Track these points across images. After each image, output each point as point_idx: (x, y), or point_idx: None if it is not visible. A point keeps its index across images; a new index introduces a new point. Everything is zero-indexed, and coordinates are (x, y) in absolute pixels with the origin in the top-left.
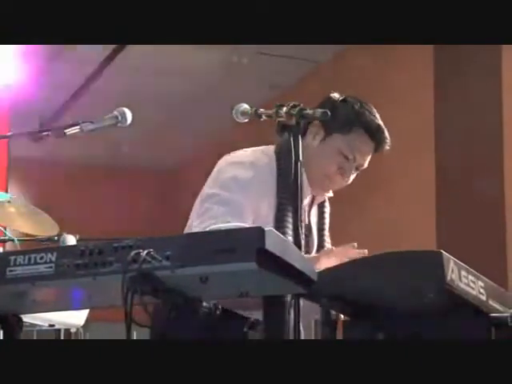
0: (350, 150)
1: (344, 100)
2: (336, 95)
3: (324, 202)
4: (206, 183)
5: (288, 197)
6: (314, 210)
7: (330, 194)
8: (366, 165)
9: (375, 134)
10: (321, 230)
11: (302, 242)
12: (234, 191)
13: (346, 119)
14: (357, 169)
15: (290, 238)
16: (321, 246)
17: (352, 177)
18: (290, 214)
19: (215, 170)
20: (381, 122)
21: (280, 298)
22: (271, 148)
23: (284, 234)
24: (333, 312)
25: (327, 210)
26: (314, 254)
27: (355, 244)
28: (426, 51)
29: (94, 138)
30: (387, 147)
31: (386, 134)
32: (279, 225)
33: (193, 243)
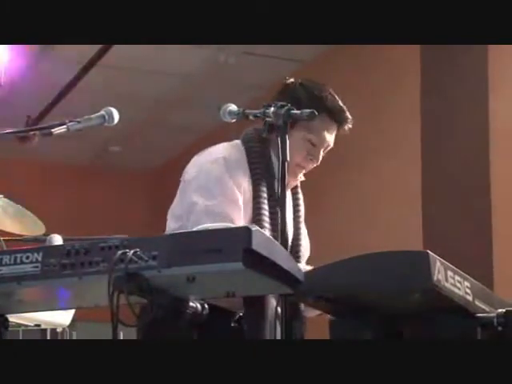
0: (315, 136)
1: (301, 85)
2: (292, 80)
3: (296, 187)
4: (188, 184)
5: (262, 186)
6: (288, 197)
7: (302, 178)
8: (332, 144)
9: (338, 117)
10: (296, 217)
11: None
12: (216, 194)
13: (308, 106)
14: (324, 150)
15: (267, 226)
16: (297, 233)
17: (321, 157)
18: (265, 204)
19: (193, 170)
20: (341, 103)
21: (260, 298)
22: (238, 142)
23: (259, 221)
24: (302, 308)
25: (300, 196)
26: (304, 247)
27: None
28: (413, 51)
29: (79, 138)
30: (350, 126)
31: (348, 113)
32: (256, 218)
33: (179, 243)
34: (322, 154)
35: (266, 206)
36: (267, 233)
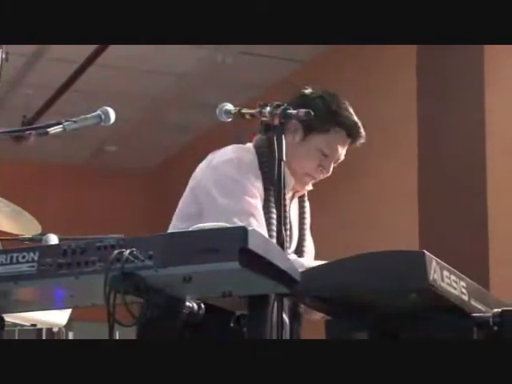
0: (329, 148)
1: (321, 97)
2: (310, 91)
3: (304, 196)
4: (203, 184)
5: (271, 190)
6: (295, 204)
7: (310, 187)
8: (342, 157)
9: (353, 132)
10: (301, 224)
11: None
12: (238, 194)
13: (325, 119)
14: (335, 162)
15: (275, 230)
16: (301, 239)
17: (331, 169)
18: (273, 208)
19: (207, 171)
20: (356, 118)
21: (264, 297)
22: (250, 145)
23: (269, 225)
24: (300, 307)
25: (307, 204)
26: (293, 248)
27: None
28: (410, 51)
29: (75, 138)
30: (363, 141)
31: (362, 129)
32: (265, 217)
33: (176, 243)
34: (332, 165)
35: (274, 213)
36: (275, 235)
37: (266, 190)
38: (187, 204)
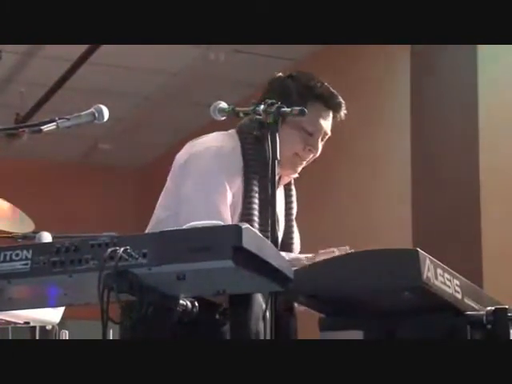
0: (311, 124)
1: (290, 77)
2: (280, 74)
3: (290, 184)
4: (180, 173)
5: (255, 179)
6: (281, 193)
7: (296, 175)
8: (329, 132)
9: (330, 102)
10: (288, 214)
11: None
12: (209, 189)
13: (300, 96)
14: (322, 139)
15: (256, 225)
16: (288, 231)
17: (320, 147)
18: (255, 198)
19: (185, 159)
20: (332, 89)
21: (246, 295)
22: (233, 131)
23: (250, 220)
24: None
25: (293, 193)
26: (296, 245)
27: (347, 247)
28: (403, 51)
29: (68, 135)
30: (344, 111)
31: (340, 98)
32: (246, 212)
33: (170, 241)
34: (320, 143)
35: (256, 203)
36: (256, 230)
37: (247, 179)
38: (166, 192)
